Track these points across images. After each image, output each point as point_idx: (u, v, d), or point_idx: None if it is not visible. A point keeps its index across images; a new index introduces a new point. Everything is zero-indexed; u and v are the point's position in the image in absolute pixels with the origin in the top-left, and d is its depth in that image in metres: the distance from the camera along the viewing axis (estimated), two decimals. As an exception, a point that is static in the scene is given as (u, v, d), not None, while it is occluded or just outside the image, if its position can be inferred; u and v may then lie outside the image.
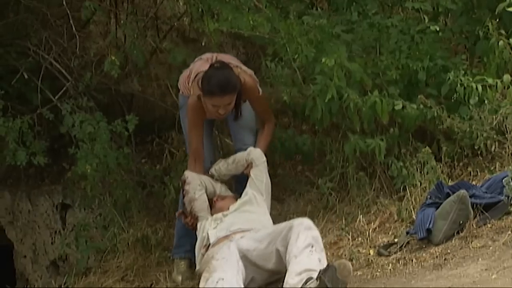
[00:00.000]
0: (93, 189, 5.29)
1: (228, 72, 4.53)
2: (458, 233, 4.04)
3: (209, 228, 4.38)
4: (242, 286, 3.87)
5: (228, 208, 4.48)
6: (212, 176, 4.69)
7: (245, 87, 4.59)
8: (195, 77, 4.64)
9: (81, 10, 5.59)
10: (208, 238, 4.32)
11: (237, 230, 4.25)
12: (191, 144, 4.66)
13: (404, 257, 4.04)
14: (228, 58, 4.79)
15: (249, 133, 4.77)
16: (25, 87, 5.73)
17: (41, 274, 5.99)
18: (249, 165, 4.61)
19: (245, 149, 4.67)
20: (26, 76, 5.59)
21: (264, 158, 4.63)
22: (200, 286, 3.93)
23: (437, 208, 4.14)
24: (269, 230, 4.15)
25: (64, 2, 5.42)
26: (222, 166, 4.69)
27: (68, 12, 5.42)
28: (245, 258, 4.04)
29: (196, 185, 4.57)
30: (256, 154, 4.62)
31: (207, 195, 4.61)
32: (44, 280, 5.88)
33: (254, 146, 4.68)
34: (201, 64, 4.71)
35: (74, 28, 5.46)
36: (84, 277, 5.14)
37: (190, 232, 4.61)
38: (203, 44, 5.75)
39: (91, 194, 5.35)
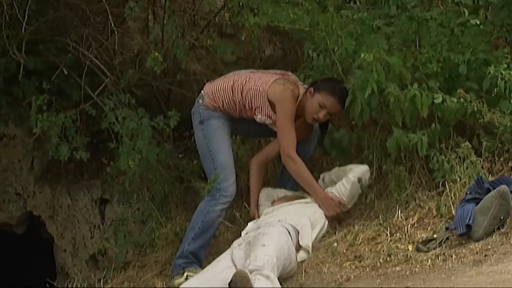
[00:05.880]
0: (131, 184, 5.32)
1: None
2: (498, 229, 4.00)
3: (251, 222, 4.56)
4: None
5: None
6: None
7: None
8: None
9: (119, 6, 5.64)
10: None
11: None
12: (292, 137, 4.67)
13: (444, 253, 4.00)
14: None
15: None
16: (64, 83, 5.80)
17: (81, 268, 6.05)
18: None
19: None
20: (65, 72, 5.65)
21: None
22: None
23: (477, 203, 4.09)
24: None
25: (103, -2, 5.48)
26: None
27: (107, 8, 5.47)
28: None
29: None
30: None
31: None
32: (83, 274, 5.93)
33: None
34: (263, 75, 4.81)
35: (113, 24, 5.50)
36: (123, 271, 5.17)
37: None
38: (242, 38, 5.75)
39: (130, 189, 5.38)
